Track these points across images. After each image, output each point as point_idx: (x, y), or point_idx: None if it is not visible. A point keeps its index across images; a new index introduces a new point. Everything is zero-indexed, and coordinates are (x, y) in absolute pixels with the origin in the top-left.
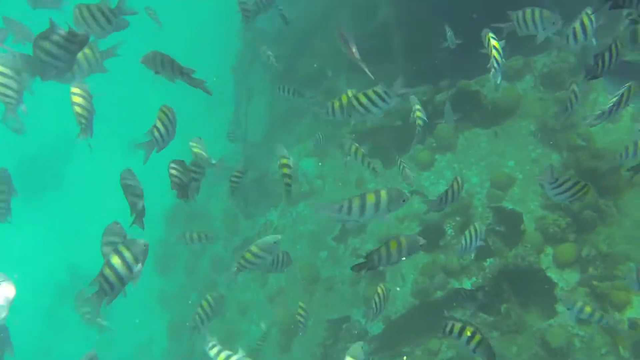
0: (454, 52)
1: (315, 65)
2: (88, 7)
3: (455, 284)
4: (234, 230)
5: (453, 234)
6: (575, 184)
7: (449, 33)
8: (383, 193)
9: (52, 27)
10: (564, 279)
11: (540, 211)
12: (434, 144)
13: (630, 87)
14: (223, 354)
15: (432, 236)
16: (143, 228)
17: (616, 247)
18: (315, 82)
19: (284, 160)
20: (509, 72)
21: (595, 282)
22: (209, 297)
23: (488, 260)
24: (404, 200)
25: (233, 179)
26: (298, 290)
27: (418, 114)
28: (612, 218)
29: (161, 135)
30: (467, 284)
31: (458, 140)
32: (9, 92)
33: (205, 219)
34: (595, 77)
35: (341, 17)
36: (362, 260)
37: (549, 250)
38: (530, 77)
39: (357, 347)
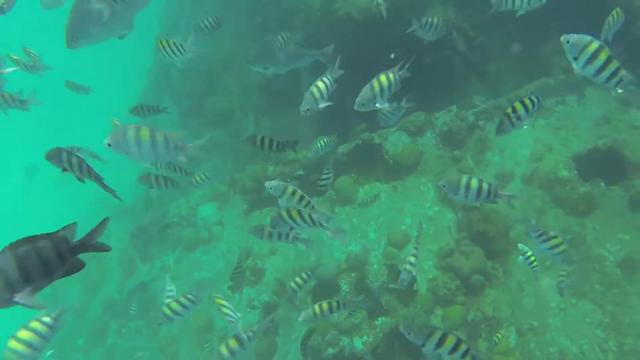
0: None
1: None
2: None
3: (346, 341)
4: (130, 272)
5: (348, 289)
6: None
7: None
8: None
9: None
10: None
11: (434, 272)
12: (334, 197)
13: None
14: None
15: (327, 291)
16: None
17: (500, 312)
18: (224, 120)
19: None
20: (411, 127)
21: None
22: None
23: (380, 319)
24: None
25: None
26: (191, 340)
27: None
28: (499, 280)
29: None
30: (358, 343)
31: (358, 193)
32: None
33: (100, 259)
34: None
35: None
36: None
37: (439, 311)
38: (431, 134)
39: None
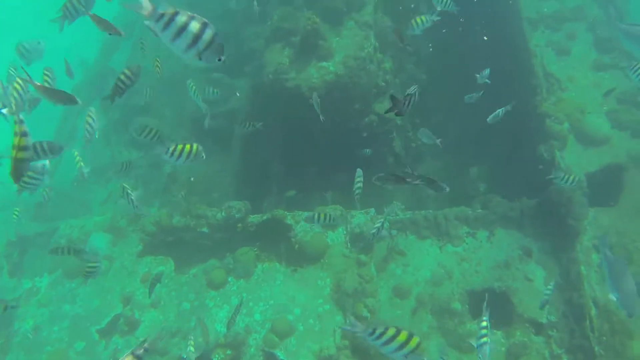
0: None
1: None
2: None
3: None
4: None
5: None
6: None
7: None
8: None
9: None
10: None
11: None
12: (231, 266)
13: None
14: None
15: None
16: None
17: None
18: (146, 146)
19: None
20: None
21: None
22: None
23: None
24: None
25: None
26: None
27: None
28: None
29: None
30: None
31: (256, 269)
32: None
33: None
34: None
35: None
36: None
37: None
38: (343, 231)
39: None
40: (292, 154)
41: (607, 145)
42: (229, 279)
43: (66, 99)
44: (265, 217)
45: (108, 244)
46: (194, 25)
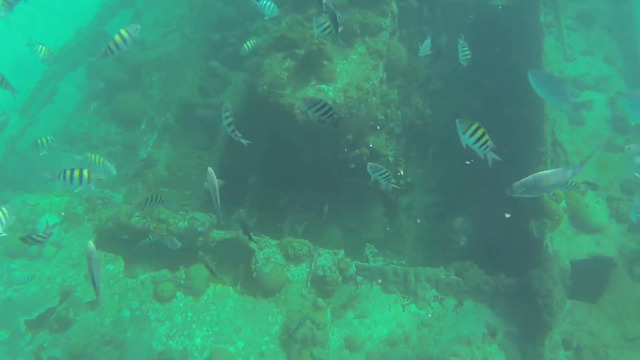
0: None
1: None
2: None
3: None
4: None
5: None
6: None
7: None
8: None
9: None
10: None
11: None
12: (182, 281)
13: None
14: None
15: None
16: None
17: None
18: (126, 125)
19: None
20: (290, 252)
21: None
22: None
23: None
24: None
25: None
26: None
27: None
28: None
29: None
30: None
31: (208, 289)
32: None
33: None
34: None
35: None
36: None
37: None
38: (306, 268)
39: None
40: (273, 170)
41: (600, 234)
42: (177, 294)
43: None
44: (228, 236)
45: (59, 230)
46: None
